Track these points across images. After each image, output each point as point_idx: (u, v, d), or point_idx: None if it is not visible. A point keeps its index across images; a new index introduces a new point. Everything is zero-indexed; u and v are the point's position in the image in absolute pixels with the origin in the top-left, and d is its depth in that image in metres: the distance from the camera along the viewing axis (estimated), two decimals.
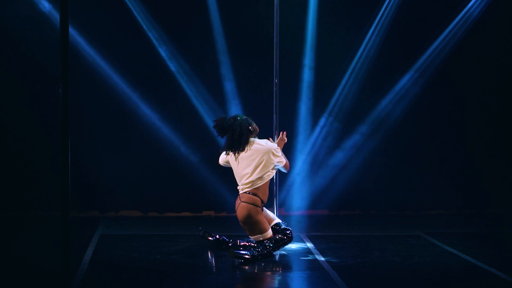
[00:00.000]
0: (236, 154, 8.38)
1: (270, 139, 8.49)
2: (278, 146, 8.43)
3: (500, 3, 11.08)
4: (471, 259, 8.07)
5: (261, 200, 8.31)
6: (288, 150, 10.39)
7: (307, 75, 11.10)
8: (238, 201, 8.36)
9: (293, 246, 8.79)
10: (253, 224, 8.25)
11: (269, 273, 7.65)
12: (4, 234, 9.63)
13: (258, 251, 8.11)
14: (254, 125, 8.44)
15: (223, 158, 8.59)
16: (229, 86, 11.05)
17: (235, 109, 10.94)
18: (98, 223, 10.30)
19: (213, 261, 8.05)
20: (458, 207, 11.39)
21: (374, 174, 11.31)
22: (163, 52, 10.95)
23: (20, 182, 10.84)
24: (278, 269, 7.83)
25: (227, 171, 10.82)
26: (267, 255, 8.16)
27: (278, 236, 8.32)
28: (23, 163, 10.86)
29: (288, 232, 8.36)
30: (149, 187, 11.09)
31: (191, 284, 7.07)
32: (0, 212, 10.69)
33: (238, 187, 8.44)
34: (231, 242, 8.47)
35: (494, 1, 11.05)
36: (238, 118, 8.41)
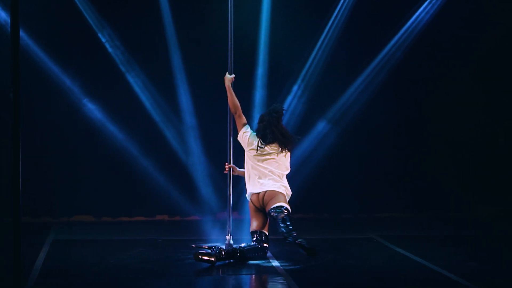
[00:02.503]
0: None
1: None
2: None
3: (450, 8, 11.21)
4: (424, 261, 8.14)
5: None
6: (242, 151, 10.40)
7: (260, 75, 11.11)
8: None
9: None
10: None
11: (222, 276, 7.64)
12: None
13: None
14: None
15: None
16: (183, 91, 11.02)
17: (189, 117, 10.93)
18: (50, 229, 10.20)
19: (167, 265, 8.01)
20: (411, 210, 11.51)
21: (327, 177, 11.37)
22: (116, 56, 10.89)
23: None
24: (231, 273, 7.82)
25: (180, 176, 10.81)
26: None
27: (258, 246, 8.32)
28: None
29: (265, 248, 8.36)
30: (102, 192, 11.02)
31: None
32: None
33: None
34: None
35: (444, 6, 11.19)
36: None
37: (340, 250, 8.80)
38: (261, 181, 8.50)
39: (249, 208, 8.62)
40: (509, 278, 7.42)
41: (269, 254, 8.50)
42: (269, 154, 8.50)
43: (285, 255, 8.46)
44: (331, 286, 7.18)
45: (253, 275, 7.66)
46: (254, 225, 8.52)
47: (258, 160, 8.51)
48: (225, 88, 8.59)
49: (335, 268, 7.86)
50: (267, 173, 8.50)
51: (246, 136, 8.54)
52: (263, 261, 8.20)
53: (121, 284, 7.16)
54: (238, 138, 8.60)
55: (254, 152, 8.50)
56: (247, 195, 8.63)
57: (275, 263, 8.06)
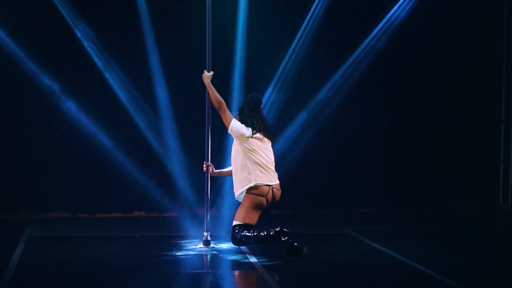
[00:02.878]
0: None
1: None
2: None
3: (424, 6, 11.27)
4: (400, 256, 8.17)
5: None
6: (219, 149, 10.41)
7: (238, 72, 11.12)
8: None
9: (224, 245, 8.79)
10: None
11: (199, 272, 7.63)
12: None
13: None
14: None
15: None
16: (160, 89, 11.00)
17: (166, 113, 10.92)
18: (26, 225, 10.15)
19: (145, 261, 7.99)
20: (387, 206, 11.55)
21: (305, 173, 11.39)
22: (93, 53, 10.86)
23: None
24: (209, 269, 7.82)
25: (158, 171, 10.79)
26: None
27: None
28: None
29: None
30: (78, 188, 10.97)
31: (122, 285, 7.01)
32: None
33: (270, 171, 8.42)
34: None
35: (419, 4, 11.25)
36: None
37: (318, 246, 8.82)
38: (269, 171, 8.41)
39: (253, 200, 8.33)
40: (485, 274, 7.47)
41: (245, 249, 8.50)
42: (263, 142, 8.41)
43: (262, 251, 8.46)
44: (308, 281, 7.19)
45: (231, 271, 7.65)
46: (255, 219, 8.34)
47: (258, 149, 8.34)
48: (205, 86, 8.55)
49: (312, 264, 7.87)
50: (271, 162, 8.47)
51: (240, 125, 8.33)
52: (241, 257, 8.20)
53: (99, 280, 7.14)
54: (231, 130, 8.31)
55: (254, 141, 8.32)
56: (249, 187, 8.30)
57: (253, 259, 8.06)
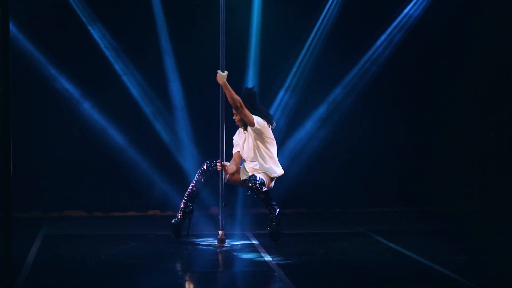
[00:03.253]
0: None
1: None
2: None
3: (438, 4, 11.22)
4: (415, 255, 8.15)
5: None
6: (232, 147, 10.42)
7: (251, 74, 11.12)
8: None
9: (238, 244, 8.80)
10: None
11: (214, 271, 7.64)
12: None
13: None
14: None
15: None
16: (175, 87, 11.01)
17: (181, 113, 10.93)
18: (41, 224, 10.19)
19: (159, 260, 8.00)
20: (402, 205, 11.52)
21: (319, 172, 11.38)
22: (109, 53, 10.89)
23: None
24: (223, 267, 7.83)
25: (172, 170, 10.83)
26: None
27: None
28: None
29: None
30: (94, 187, 11.00)
31: (136, 284, 7.03)
32: None
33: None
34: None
35: (433, 2, 11.20)
36: None
37: (332, 245, 8.81)
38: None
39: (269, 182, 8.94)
40: (499, 273, 7.44)
41: (260, 248, 8.51)
42: (271, 132, 8.98)
43: (277, 249, 8.46)
44: (323, 280, 7.19)
45: (245, 270, 7.66)
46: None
47: (273, 139, 8.95)
48: (221, 86, 8.62)
49: (327, 263, 7.86)
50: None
51: (261, 119, 8.78)
52: (255, 255, 8.20)
53: (113, 279, 7.15)
54: (258, 125, 8.70)
55: (271, 132, 8.89)
56: (273, 175, 8.95)
57: (267, 257, 8.06)
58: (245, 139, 8.88)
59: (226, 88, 8.60)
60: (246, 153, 8.88)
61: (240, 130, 8.96)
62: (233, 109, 8.73)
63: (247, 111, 8.63)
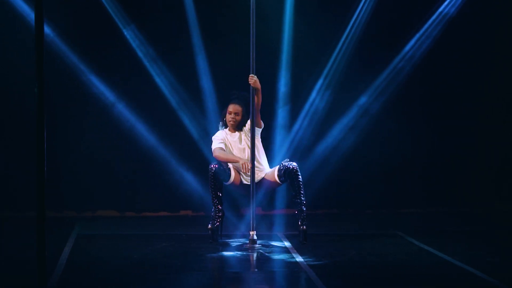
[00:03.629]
0: None
1: None
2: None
3: (474, 1, 11.14)
4: (447, 257, 8.10)
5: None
6: (265, 148, 10.45)
7: (284, 71, 11.11)
8: None
9: (270, 245, 8.79)
10: None
11: (245, 272, 7.64)
12: None
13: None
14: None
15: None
16: (206, 84, 11.03)
17: (212, 108, 10.95)
18: (74, 223, 10.25)
19: (190, 260, 8.02)
20: (434, 205, 11.46)
21: (351, 173, 11.35)
22: (139, 52, 10.93)
23: None
24: (255, 268, 7.83)
25: (204, 171, 10.84)
26: None
27: None
28: None
29: None
30: (126, 187, 11.06)
31: (168, 283, 7.05)
32: None
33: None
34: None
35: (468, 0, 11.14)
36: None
37: (364, 246, 8.78)
38: None
39: None
40: None
41: (292, 249, 8.50)
42: None
43: (309, 250, 8.45)
44: (354, 281, 7.17)
45: (277, 271, 7.65)
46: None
47: None
48: (255, 89, 8.76)
49: (359, 264, 7.84)
50: None
51: None
52: (287, 256, 8.20)
53: (145, 279, 7.18)
54: (262, 127, 9.00)
55: None
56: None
57: (299, 258, 8.05)
58: (240, 141, 8.96)
59: (259, 92, 8.73)
60: (247, 155, 8.95)
61: (229, 133, 9.06)
62: (233, 112, 8.96)
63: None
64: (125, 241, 9.04)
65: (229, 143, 9.01)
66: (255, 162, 8.85)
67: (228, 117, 9.01)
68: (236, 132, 9.03)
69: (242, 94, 9.04)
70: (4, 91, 10.77)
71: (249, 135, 8.86)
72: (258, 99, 8.75)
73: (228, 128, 9.08)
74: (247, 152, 8.94)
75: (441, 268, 7.69)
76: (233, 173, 8.91)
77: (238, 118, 8.97)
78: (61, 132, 10.81)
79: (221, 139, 9.00)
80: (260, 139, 9.00)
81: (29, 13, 10.54)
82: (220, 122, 9.17)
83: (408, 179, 11.46)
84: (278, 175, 8.89)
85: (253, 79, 8.74)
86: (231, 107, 9.01)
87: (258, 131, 8.93)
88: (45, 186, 5.96)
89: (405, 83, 11.29)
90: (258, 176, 8.94)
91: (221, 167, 8.82)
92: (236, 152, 8.96)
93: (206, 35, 11.01)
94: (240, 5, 10.64)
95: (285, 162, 8.91)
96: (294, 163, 8.86)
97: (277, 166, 8.95)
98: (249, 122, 8.88)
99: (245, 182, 8.96)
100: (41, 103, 5.93)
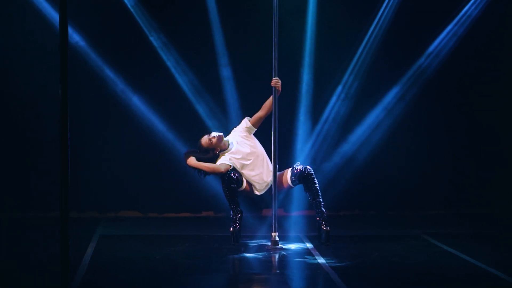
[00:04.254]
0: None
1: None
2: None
3: (499, 2, 11.07)
4: (471, 259, 8.06)
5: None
6: (287, 149, 10.49)
7: (306, 76, 11.10)
8: None
9: (292, 246, 8.79)
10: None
11: (267, 273, 7.64)
12: (4, 235, 9.63)
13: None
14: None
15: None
16: (229, 88, 11.05)
17: (234, 113, 10.96)
18: (97, 224, 10.30)
19: (212, 261, 8.03)
20: (457, 207, 11.40)
21: (373, 174, 11.31)
22: (164, 55, 10.97)
23: (18, 183, 10.85)
24: (277, 269, 7.83)
25: None
26: None
27: None
28: (21, 164, 10.87)
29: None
30: (148, 188, 11.09)
31: (191, 284, 7.06)
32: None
33: None
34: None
35: (493, 0, 11.06)
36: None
37: (386, 248, 8.75)
38: None
39: None
40: None
41: (314, 251, 8.50)
42: None
43: (331, 252, 8.44)
44: (377, 283, 7.15)
45: (299, 272, 7.65)
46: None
47: None
48: (277, 90, 8.82)
49: (381, 265, 7.81)
50: None
51: None
52: (309, 258, 8.19)
53: (168, 279, 7.20)
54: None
55: None
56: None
57: (321, 260, 8.04)
58: (248, 146, 9.03)
59: (279, 93, 8.83)
60: (260, 161, 9.02)
61: (241, 136, 9.11)
62: (209, 138, 9.08)
63: None
64: (147, 242, 9.06)
65: (238, 159, 9.03)
66: (256, 169, 8.96)
67: (210, 141, 9.06)
68: (247, 139, 9.11)
69: (193, 150, 9.21)
70: (28, 93, 10.83)
71: (237, 142, 9.06)
72: (272, 102, 8.88)
73: (219, 152, 9.11)
74: (258, 150, 9.04)
75: (464, 270, 7.65)
76: (244, 183, 8.96)
77: (215, 135, 9.08)
78: (84, 134, 10.85)
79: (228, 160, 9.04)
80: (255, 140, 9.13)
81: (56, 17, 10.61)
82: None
83: (431, 180, 11.41)
84: (291, 179, 8.90)
85: (278, 83, 8.78)
86: (203, 142, 9.13)
87: (253, 131, 9.13)
88: (68, 187, 5.99)
89: (426, 86, 11.23)
90: (269, 180, 8.96)
91: (234, 176, 8.84)
92: (251, 156, 8.98)
93: (228, 41, 11.01)
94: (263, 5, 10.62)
95: (297, 166, 8.91)
96: (309, 167, 8.89)
97: (289, 170, 8.95)
98: (225, 139, 9.10)
99: (257, 192, 9.02)
100: (65, 106, 5.96)
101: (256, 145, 9.08)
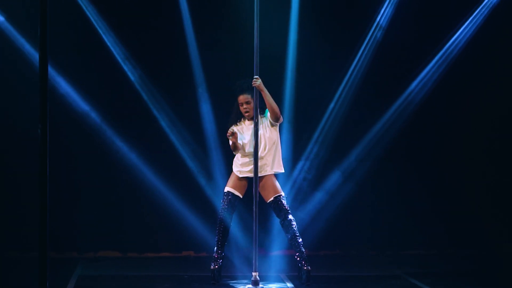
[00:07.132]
0: None
1: None
2: None
3: (502, 10, 11.11)
4: None
5: None
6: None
7: (288, 101, 11.11)
8: None
9: (273, 286, 8.75)
10: None
11: None
12: None
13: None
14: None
15: None
16: (205, 108, 11.04)
17: (215, 150, 10.96)
18: (76, 264, 10.22)
19: None
20: (438, 247, 11.40)
21: (354, 214, 11.31)
22: (141, 89, 10.97)
23: None
24: None
25: (206, 211, 10.80)
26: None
27: None
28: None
29: None
30: (128, 227, 11.03)
31: None
32: None
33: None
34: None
35: (497, 9, 11.09)
36: None
37: None
38: None
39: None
40: None
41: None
42: None
43: None
44: None
45: None
46: None
47: None
48: (261, 90, 8.57)
49: None
50: None
51: None
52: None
53: None
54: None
55: None
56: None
57: None
58: (251, 135, 8.76)
59: (265, 94, 8.59)
60: (264, 144, 8.80)
61: (245, 125, 8.91)
62: (244, 102, 8.75)
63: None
64: (127, 282, 9.00)
65: (246, 134, 8.83)
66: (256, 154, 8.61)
67: (242, 109, 8.79)
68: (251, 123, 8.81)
69: (243, 82, 8.79)
70: (8, 127, 10.77)
71: (265, 123, 8.78)
72: (266, 101, 8.60)
73: (244, 119, 8.90)
74: (264, 140, 8.73)
75: None
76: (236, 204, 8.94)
77: (251, 105, 8.78)
78: (64, 173, 10.81)
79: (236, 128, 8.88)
80: (277, 133, 8.81)
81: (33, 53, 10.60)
82: (230, 121, 8.95)
83: (411, 220, 11.42)
84: (271, 207, 8.84)
85: (257, 82, 8.49)
86: (241, 98, 8.77)
87: (277, 123, 8.79)
88: (47, 227, 5.95)
89: (417, 114, 11.26)
90: (260, 169, 8.70)
91: (229, 210, 8.80)
92: (261, 147, 8.73)
93: (205, 61, 11.00)
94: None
95: (283, 200, 8.82)
96: (290, 216, 8.74)
97: (272, 199, 8.82)
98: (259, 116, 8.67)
99: (241, 175, 8.88)
100: (44, 145, 5.95)
101: (266, 132, 8.80)
